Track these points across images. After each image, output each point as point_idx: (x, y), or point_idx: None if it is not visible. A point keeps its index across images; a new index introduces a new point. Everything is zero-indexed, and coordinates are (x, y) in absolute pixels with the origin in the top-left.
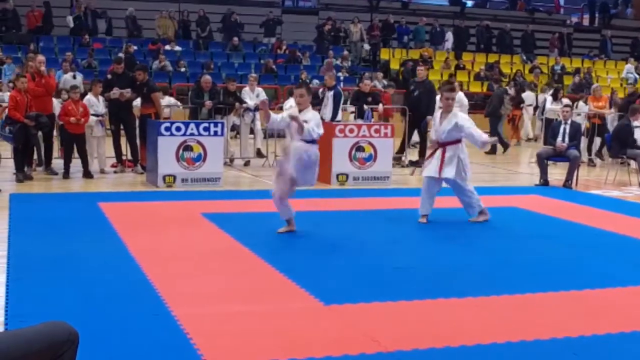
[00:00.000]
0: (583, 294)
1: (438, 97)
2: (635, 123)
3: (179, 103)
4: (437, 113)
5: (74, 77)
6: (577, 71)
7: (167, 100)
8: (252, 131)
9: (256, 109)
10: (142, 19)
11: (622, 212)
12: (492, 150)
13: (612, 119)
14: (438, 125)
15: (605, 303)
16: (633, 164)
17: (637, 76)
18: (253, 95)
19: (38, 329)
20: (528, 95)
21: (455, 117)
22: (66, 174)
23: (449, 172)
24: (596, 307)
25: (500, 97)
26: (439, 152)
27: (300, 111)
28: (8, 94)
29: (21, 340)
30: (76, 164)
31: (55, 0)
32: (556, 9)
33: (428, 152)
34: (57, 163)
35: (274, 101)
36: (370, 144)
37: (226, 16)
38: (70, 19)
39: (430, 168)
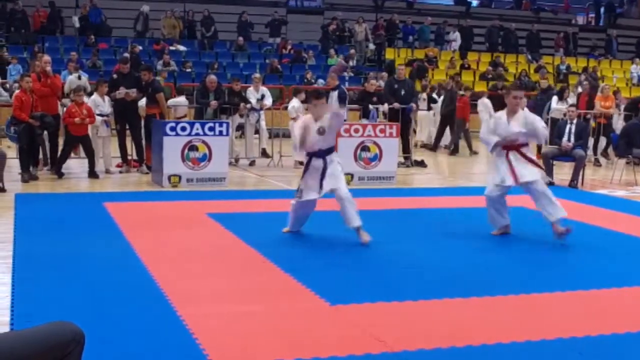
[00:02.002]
0: (589, 294)
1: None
2: None
3: (186, 103)
4: (501, 113)
5: (79, 77)
6: (584, 70)
7: (181, 99)
8: (257, 131)
9: (260, 108)
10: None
11: (629, 212)
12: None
13: (617, 118)
14: (506, 127)
15: (612, 303)
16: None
17: None
18: (257, 95)
19: (43, 329)
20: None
21: (527, 116)
22: (59, 173)
23: (530, 175)
24: (602, 307)
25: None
26: (512, 155)
27: (316, 120)
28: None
29: (26, 341)
30: (82, 163)
31: (61, 1)
32: (565, 8)
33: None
34: (68, 164)
35: (278, 101)
36: (376, 143)
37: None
38: (76, 19)
39: (498, 175)
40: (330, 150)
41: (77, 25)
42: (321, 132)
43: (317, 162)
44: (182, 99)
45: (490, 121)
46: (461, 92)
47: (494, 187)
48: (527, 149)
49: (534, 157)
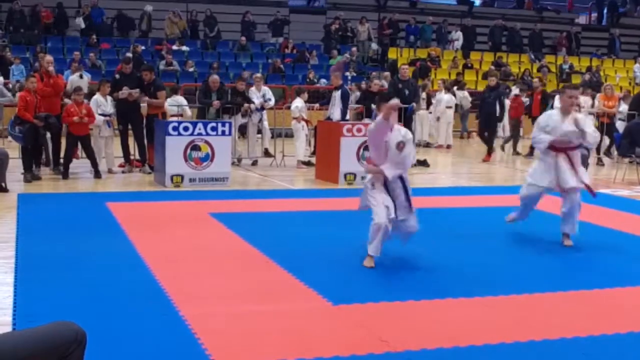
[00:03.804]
0: (592, 294)
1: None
2: None
3: (185, 102)
4: (554, 111)
5: (81, 76)
6: (588, 69)
7: (175, 99)
8: (259, 131)
9: (262, 108)
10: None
11: (631, 212)
12: None
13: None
14: (559, 126)
15: (614, 303)
16: None
17: None
18: (259, 94)
19: (45, 329)
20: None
21: (578, 118)
22: (65, 175)
23: (574, 182)
24: (605, 306)
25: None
26: (562, 158)
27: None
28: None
29: (28, 340)
30: (85, 163)
31: (65, 1)
32: (568, 8)
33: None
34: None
35: (281, 101)
36: None
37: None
38: (80, 19)
39: (545, 177)
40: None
41: (83, 25)
42: (400, 147)
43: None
44: (175, 99)
45: (542, 119)
46: (516, 92)
47: (534, 186)
48: (576, 152)
49: (581, 167)
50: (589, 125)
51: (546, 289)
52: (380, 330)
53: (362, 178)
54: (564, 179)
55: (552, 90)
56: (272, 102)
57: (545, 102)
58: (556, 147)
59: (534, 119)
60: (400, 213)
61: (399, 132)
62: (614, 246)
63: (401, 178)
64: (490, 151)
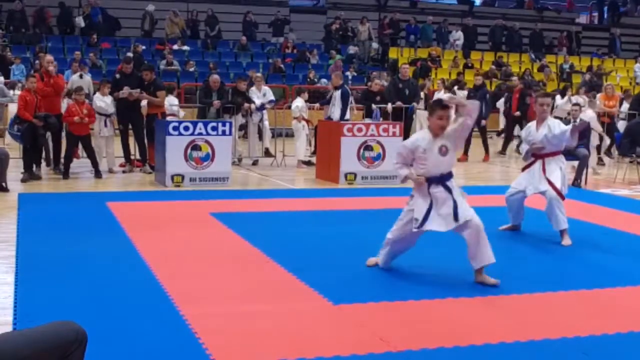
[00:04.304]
0: (592, 293)
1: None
2: None
3: (176, 103)
4: (532, 122)
5: (81, 76)
6: (589, 69)
7: (168, 99)
8: (260, 130)
9: (263, 108)
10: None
11: (632, 211)
12: None
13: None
14: (534, 135)
15: (615, 302)
16: None
17: None
18: (260, 94)
19: (45, 328)
20: None
21: (553, 124)
22: (66, 175)
23: (544, 186)
24: (606, 306)
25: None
26: (538, 164)
27: (435, 136)
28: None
29: (28, 340)
30: (85, 163)
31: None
32: (568, 7)
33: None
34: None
35: (282, 100)
36: (379, 143)
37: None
38: (80, 19)
39: (522, 182)
40: (451, 173)
41: (83, 24)
42: (444, 151)
43: (438, 190)
44: (170, 100)
45: (523, 132)
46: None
47: (513, 190)
48: (554, 159)
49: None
50: (559, 128)
51: (546, 288)
52: (380, 330)
53: (363, 178)
54: (538, 184)
55: (552, 90)
56: (270, 97)
57: (523, 101)
58: (534, 154)
59: (514, 117)
60: (442, 223)
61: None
62: (614, 245)
63: (448, 187)
64: (487, 150)
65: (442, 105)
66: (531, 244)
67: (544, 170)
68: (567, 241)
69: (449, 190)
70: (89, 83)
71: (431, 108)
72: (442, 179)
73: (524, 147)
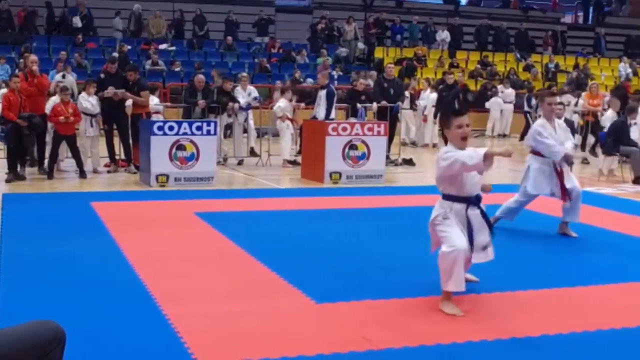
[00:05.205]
0: (574, 291)
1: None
2: (631, 121)
3: (158, 102)
4: (541, 121)
5: (63, 76)
6: (575, 67)
7: (152, 98)
8: (245, 130)
9: (248, 107)
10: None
11: (615, 209)
12: None
13: (610, 115)
14: (554, 135)
15: (596, 300)
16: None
17: (631, 73)
18: (245, 94)
19: (24, 328)
20: (509, 93)
21: (560, 124)
22: (50, 175)
23: (572, 182)
24: (587, 304)
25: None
26: (549, 166)
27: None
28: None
29: (6, 339)
30: (70, 163)
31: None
32: (553, 7)
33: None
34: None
35: (267, 100)
36: (364, 142)
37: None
38: (77, 18)
39: (545, 186)
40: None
41: (80, 25)
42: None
43: (474, 213)
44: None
45: (543, 130)
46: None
47: (532, 194)
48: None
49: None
50: (568, 132)
51: (529, 286)
52: (363, 329)
53: (348, 177)
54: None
55: (538, 89)
56: (255, 94)
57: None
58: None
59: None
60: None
61: None
62: (597, 244)
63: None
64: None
65: (455, 111)
66: (514, 242)
67: (558, 169)
68: (572, 233)
69: (484, 214)
70: (72, 83)
71: (443, 119)
72: (476, 201)
73: (560, 148)
